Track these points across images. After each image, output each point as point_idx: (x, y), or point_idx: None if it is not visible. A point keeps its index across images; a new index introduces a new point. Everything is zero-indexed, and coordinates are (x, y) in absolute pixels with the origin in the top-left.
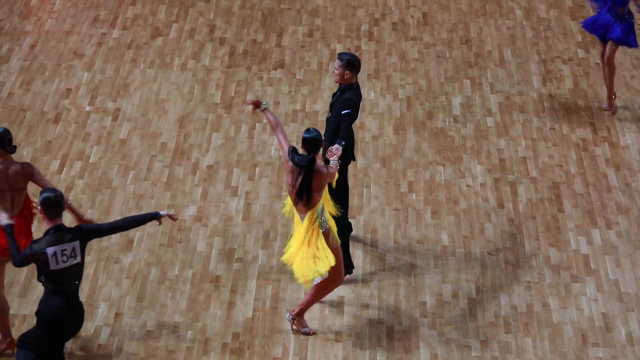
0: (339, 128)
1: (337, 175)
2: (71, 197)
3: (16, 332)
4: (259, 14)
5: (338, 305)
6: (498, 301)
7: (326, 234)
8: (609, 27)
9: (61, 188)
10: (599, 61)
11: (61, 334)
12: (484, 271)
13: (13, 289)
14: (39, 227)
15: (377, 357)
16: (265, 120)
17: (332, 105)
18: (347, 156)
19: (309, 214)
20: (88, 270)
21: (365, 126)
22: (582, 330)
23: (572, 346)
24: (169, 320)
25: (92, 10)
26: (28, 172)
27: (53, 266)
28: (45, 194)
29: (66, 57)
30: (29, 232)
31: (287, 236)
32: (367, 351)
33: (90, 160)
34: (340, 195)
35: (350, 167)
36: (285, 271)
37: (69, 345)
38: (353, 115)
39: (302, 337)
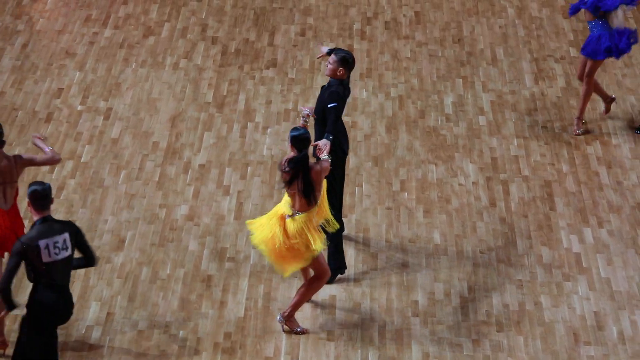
0: (324, 118)
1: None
2: (62, 197)
3: (7, 332)
4: (251, 13)
5: (330, 304)
6: (490, 300)
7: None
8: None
9: (52, 188)
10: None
11: (51, 325)
12: (476, 270)
13: None
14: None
15: (369, 356)
16: (258, 120)
17: (319, 98)
18: (337, 153)
19: (309, 212)
20: (79, 270)
21: (358, 125)
22: (574, 328)
23: (564, 345)
24: (161, 319)
25: (84, 10)
26: (19, 163)
27: (45, 258)
28: (33, 187)
29: (58, 57)
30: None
31: None
32: (359, 350)
33: (82, 160)
34: (330, 194)
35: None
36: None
37: (60, 345)
38: (339, 109)
39: (294, 336)
